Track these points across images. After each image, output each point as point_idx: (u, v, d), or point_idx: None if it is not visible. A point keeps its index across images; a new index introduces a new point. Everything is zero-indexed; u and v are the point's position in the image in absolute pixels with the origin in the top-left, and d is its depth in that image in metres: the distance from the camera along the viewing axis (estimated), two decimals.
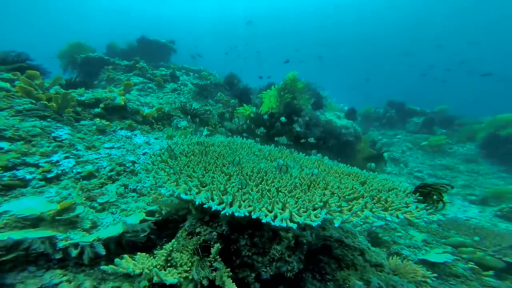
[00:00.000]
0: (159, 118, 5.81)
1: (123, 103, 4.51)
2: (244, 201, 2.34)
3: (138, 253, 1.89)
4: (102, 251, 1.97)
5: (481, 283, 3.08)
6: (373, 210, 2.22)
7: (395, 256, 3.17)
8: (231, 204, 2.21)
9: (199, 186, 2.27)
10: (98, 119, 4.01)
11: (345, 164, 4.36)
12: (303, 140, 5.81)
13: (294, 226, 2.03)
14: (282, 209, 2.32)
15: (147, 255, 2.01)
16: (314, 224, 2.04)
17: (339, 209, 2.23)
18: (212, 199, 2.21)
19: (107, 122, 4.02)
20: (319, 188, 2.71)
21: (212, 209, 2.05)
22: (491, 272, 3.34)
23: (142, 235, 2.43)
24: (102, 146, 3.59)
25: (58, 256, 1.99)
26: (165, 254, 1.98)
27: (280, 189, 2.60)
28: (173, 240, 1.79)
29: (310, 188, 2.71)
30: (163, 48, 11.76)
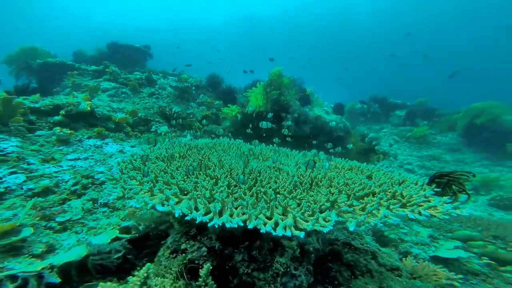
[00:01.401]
0: (136, 124, 5.28)
1: (89, 108, 3.96)
2: (236, 208, 1.93)
3: (101, 283, 1.42)
4: (55, 280, 1.48)
5: (503, 280, 2.83)
6: (391, 207, 1.88)
7: (409, 256, 2.85)
8: (220, 213, 1.79)
9: (178, 194, 1.83)
10: (59, 128, 3.44)
11: (341, 158, 4.06)
12: (289, 139, 5.48)
13: (301, 234, 1.64)
14: (283, 215, 1.93)
15: (116, 284, 1.54)
16: (325, 229, 1.67)
17: (351, 209, 1.87)
18: (197, 209, 1.78)
19: (70, 131, 3.47)
20: (323, 186, 2.34)
21: (197, 221, 1.62)
22: (509, 267, 3.11)
23: (115, 256, 1.95)
24: (64, 158, 3.05)
25: None
26: (138, 283, 1.51)
27: (278, 190, 2.21)
28: (148, 264, 1.34)
29: (313, 186, 2.34)
30: (138, 54, 11.08)
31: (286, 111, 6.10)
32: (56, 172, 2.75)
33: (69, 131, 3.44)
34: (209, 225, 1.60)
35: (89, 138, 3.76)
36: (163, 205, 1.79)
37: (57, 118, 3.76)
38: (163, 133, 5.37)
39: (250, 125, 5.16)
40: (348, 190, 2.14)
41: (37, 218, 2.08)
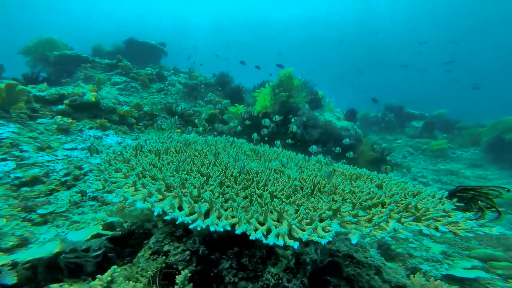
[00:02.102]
0: (141, 118, 5.21)
1: (94, 99, 3.92)
2: (226, 210, 1.73)
3: (53, 286, 1.25)
4: (10, 281, 1.33)
5: None
6: (403, 220, 1.63)
7: (418, 273, 2.55)
8: (207, 215, 1.60)
9: (163, 190, 1.66)
10: (60, 116, 3.39)
11: (350, 166, 3.79)
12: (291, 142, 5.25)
13: (295, 244, 1.42)
14: (278, 221, 1.72)
15: (78, 286, 1.38)
16: (323, 241, 1.45)
17: (355, 219, 1.63)
18: (181, 208, 1.61)
19: (70, 120, 3.41)
20: (325, 192, 2.11)
21: (178, 221, 1.44)
22: None
23: (93, 255, 1.79)
24: (61, 147, 2.97)
25: None
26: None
27: (275, 193, 2.00)
28: (114, 267, 1.17)
29: (315, 192, 2.12)
30: (153, 51, 11.21)
31: (294, 114, 5.88)
32: (49, 161, 2.67)
33: (69, 120, 3.39)
34: (190, 226, 1.42)
35: (90, 128, 3.70)
36: (144, 201, 1.62)
37: (60, 107, 3.74)
38: (167, 129, 5.28)
39: (256, 127, 4.97)
40: (354, 198, 1.90)
41: (18, 209, 1.97)
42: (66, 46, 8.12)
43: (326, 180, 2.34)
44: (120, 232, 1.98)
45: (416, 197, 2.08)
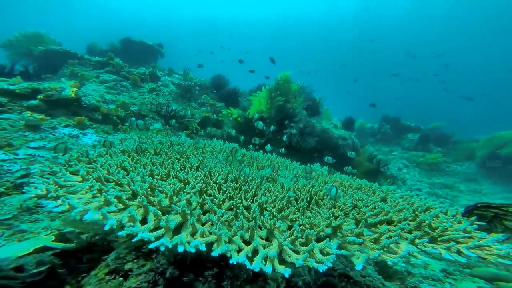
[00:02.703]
0: (127, 117, 4.88)
1: (74, 96, 3.59)
2: (204, 225, 1.43)
3: None
4: None
5: None
6: (416, 242, 1.35)
7: None
8: (176, 230, 1.29)
9: (123, 198, 1.34)
10: (29, 112, 3.04)
11: (349, 176, 3.52)
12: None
13: (287, 272, 1.12)
14: (267, 239, 1.42)
15: None
16: (321, 267, 1.15)
17: (359, 239, 1.34)
18: (145, 221, 1.29)
19: (41, 116, 3.07)
20: (324, 206, 1.82)
21: (136, 238, 1.13)
22: None
23: (34, 271, 1.45)
24: (26, 145, 2.63)
25: None
26: None
27: (265, 205, 1.70)
28: None
29: (311, 205, 1.82)
30: (150, 51, 10.94)
31: (291, 119, 5.63)
32: (5, 160, 2.33)
33: (40, 117, 3.05)
34: (151, 245, 1.11)
35: (66, 126, 3.37)
36: (98, 211, 1.30)
37: (33, 102, 3.39)
38: (155, 130, 4.96)
39: (250, 132, 4.69)
40: (358, 214, 1.61)
41: None
42: (54, 42, 7.78)
43: (324, 191, 2.05)
44: (74, 245, 1.64)
45: (427, 213, 1.81)
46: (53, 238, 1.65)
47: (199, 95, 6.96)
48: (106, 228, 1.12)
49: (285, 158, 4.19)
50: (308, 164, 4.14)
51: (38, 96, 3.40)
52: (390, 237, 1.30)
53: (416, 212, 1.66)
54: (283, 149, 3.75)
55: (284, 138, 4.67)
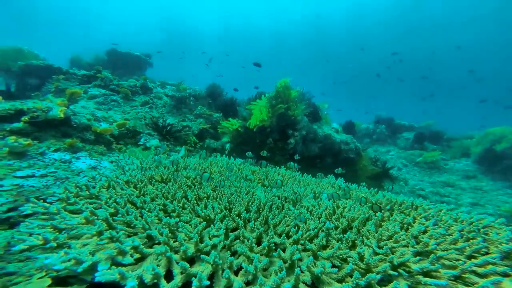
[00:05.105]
0: (121, 136, 4.56)
1: (62, 115, 3.26)
2: (237, 273, 1.17)
3: None
4: None
5: None
6: None
7: None
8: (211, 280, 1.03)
9: (140, 248, 1.07)
10: (13, 137, 2.70)
11: (366, 187, 3.32)
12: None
13: None
14: (312, 285, 1.18)
15: None
16: None
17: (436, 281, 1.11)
18: (168, 273, 1.03)
19: (28, 141, 2.74)
20: (370, 235, 1.57)
21: None
22: None
23: None
24: (11, 175, 2.31)
25: None
26: None
27: (299, 241, 1.45)
28: None
29: (352, 233, 1.57)
30: (137, 62, 10.63)
31: (293, 127, 5.44)
32: None
33: (26, 142, 2.71)
34: None
35: (56, 151, 3.03)
36: (112, 264, 1.03)
37: (17, 125, 3.05)
38: (152, 147, 4.65)
39: (251, 143, 4.45)
40: (420, 245, 1.37)
41: None
42: (36, 57, 7.32)
43: (364, 214, 1.79)
44: None
45: (483, 230, 1.60)
46: (50, 281, 1.37)
47: (195, 106, 6.69)
48: (129, 285, 0.86)
49: (292, 171, 3.96)
50: (321, 174, 3.92)
51: (23, 118, 3.06)
52: (479, 275, 1.07)
53: (480, 231, 1.44)
54: (296, 164, 3.53)
55: (290, 147, 4.45)
